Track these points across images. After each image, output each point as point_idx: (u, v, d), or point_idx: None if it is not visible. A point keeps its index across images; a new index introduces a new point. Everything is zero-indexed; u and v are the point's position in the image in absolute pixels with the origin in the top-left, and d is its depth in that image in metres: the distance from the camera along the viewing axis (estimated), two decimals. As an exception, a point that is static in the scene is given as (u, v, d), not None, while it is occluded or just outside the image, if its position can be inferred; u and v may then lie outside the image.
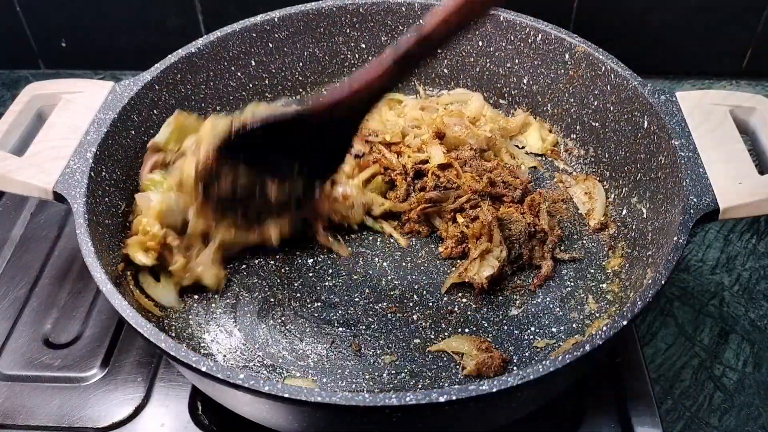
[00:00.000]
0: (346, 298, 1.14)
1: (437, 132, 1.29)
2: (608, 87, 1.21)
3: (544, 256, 1.17)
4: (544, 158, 1.36)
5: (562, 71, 1.29)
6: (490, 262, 1.12)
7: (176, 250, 1.11)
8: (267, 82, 1.39)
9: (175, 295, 1.12)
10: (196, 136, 1.11)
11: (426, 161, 1.26)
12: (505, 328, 1.09)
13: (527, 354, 1.06)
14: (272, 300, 1.14)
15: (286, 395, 0.78)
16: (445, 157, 1.25)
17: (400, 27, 1.37)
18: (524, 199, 1.22)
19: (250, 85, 1.38)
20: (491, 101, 1.41)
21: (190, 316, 1.12)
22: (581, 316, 1.10)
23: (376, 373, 1.04)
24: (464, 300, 1.13)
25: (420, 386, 1.02)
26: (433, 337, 1.08)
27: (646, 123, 1.13)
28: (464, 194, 1.19)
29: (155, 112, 1.22)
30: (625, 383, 1.07)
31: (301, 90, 1.43)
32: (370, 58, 1.42)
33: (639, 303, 0.86)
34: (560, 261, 1.18)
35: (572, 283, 1.15)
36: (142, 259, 1.09)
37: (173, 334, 1.09)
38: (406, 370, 1.04)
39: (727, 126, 1.07)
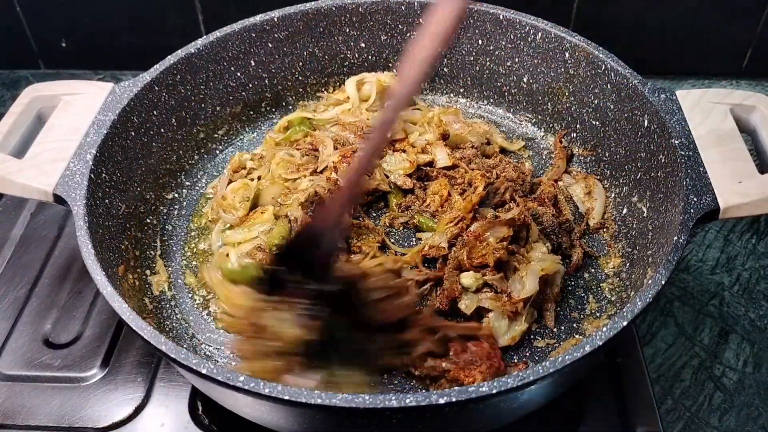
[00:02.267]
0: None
1: (443, 133, 1.29)
2: (608, 86, 1.21)
3: (573, 245, 1.17)
4: (538, 146, 1.37)
5: (562, 70, 1.28)
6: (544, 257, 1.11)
7: None
8: (267, 82, 1.39)
9: None
10: None
11: (431, 163, 1.26)
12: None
13: (527, 354, 1.06)
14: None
15: (287, 397, 0.78)
16: (450, 159, 1.25)
17: (400, 26, 1.37)
18: (535, 190, 1.22)
19: (250, 85, 1.38)
20: (492, 100, 1.41)
21: (190, 317, 1.12)
22: (581, 316, 1.10)
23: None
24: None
25: (420, 387, 1.02)
26: (433, 337, 1.08)
27: (646, 122, 1.13)
28: (501, 186, 1.20)
29: (155, 113, 1.22)
30: (625, 383, 1.07)
31: (300, 90, 1.43)
32: (369, 57, 1.42)
33: (639, 303, 0.86)
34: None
35: (572, 283, 1.15)
36: None
37: (173, 335, 1.09)
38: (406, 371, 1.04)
39: (728, 125, 1.06)
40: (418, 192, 1.23)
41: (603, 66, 1.21)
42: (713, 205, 0.96)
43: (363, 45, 1.41)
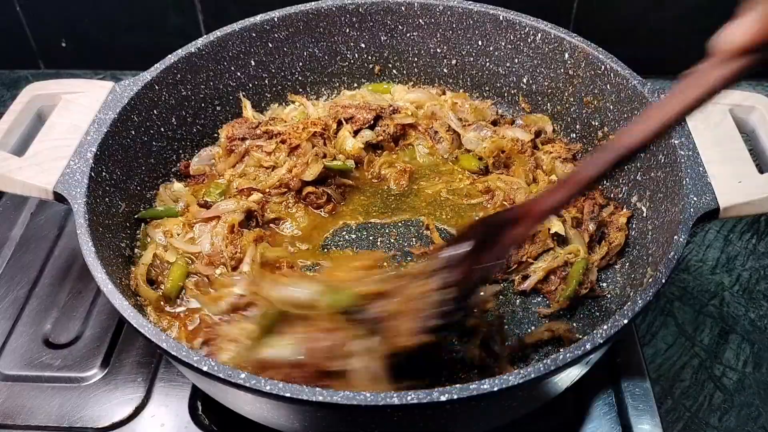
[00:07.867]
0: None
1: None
2: (608, 86, 1.21)
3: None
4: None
5: (562, 71, 1.29)
6: None
7: None
8: (267, 82, 1.39)
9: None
10: None
11: None
12: (507, 326, 1.09)
13: (528, 352, 1.06)
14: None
15: (288, 394, 0.78)
16: None
17: (400, 27, 1.38)
18: None
19: (250, 85, 1.38)
20: (491, 100, 1.42)
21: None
22: (581, 316, 1.10)
23: (377, 373, 1.04)
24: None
25: (420, 385, 1.02)
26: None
27: (646, 122, 1.13)
28: None
29: (155, 112, 1.22)
30: (625, 383, 1.07)
31: (300, 90, 1.43)
32: (369, 57, 1.42)
33: (639, 302, 0.86)
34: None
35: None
36: None
37: (174, 333, 1.08)
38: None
39: (727, 125, 1.07)
40: None
41: (603, 67, 1.21)
42: (713, 204, 0.96)
43: (363, 45, 1.41)
